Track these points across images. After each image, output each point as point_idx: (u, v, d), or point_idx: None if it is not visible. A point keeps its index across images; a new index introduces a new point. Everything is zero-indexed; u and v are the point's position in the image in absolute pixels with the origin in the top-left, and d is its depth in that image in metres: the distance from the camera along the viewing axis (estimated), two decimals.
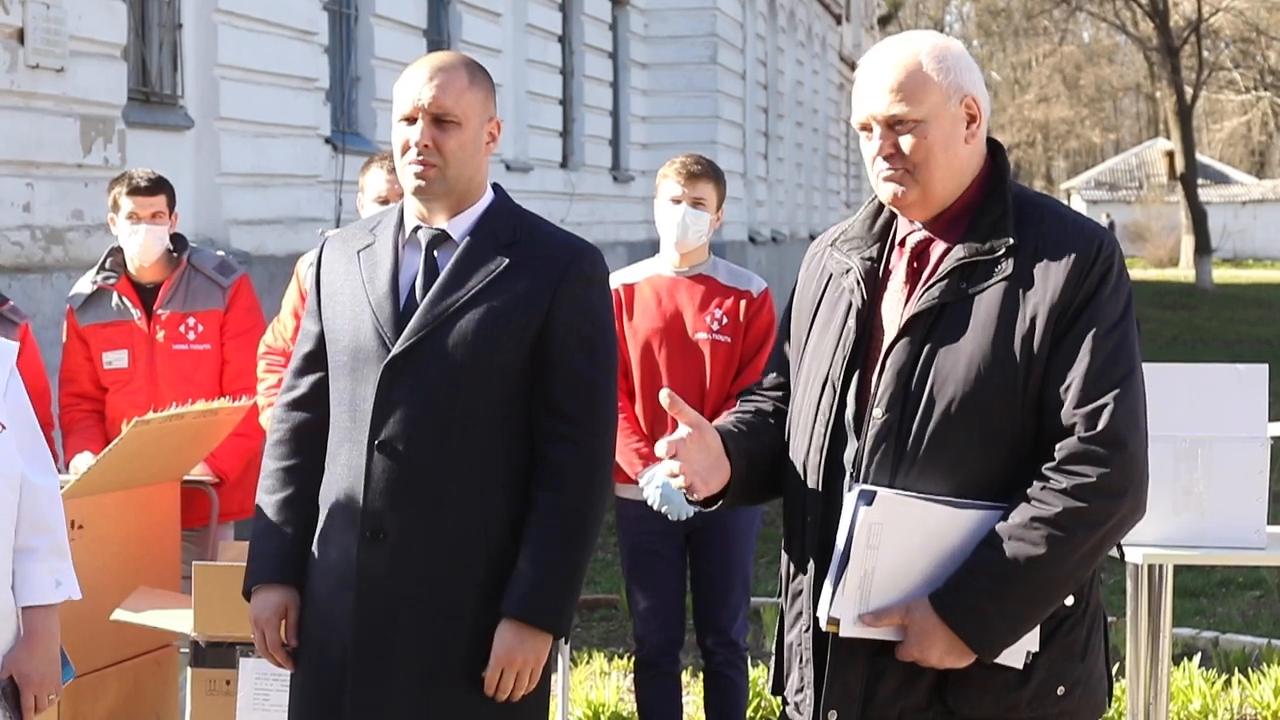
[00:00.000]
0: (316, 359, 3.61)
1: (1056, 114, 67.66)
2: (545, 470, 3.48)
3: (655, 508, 5.24)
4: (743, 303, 5.33)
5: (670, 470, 3.10)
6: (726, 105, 23.57)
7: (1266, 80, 51.68)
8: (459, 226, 3.55)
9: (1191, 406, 4.65)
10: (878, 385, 2.99)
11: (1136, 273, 43.99)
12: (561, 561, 3.47)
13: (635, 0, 21.95)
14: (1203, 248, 37.44)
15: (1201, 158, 51.72)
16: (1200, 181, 42.98)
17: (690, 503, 3.22)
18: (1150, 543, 4.69)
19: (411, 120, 3.49)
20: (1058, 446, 2.89)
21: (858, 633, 2.95)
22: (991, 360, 2.92)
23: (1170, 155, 47.87)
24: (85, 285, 5.78)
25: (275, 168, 12.15)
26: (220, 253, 6.26)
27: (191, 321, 5.68)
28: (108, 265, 5.75)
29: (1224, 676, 6.75)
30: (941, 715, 2.97)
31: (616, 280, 5.47)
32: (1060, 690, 2.98)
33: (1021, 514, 2.88)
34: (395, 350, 3.46)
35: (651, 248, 5.68)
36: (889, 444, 2.96)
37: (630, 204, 21.16)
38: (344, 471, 3.51)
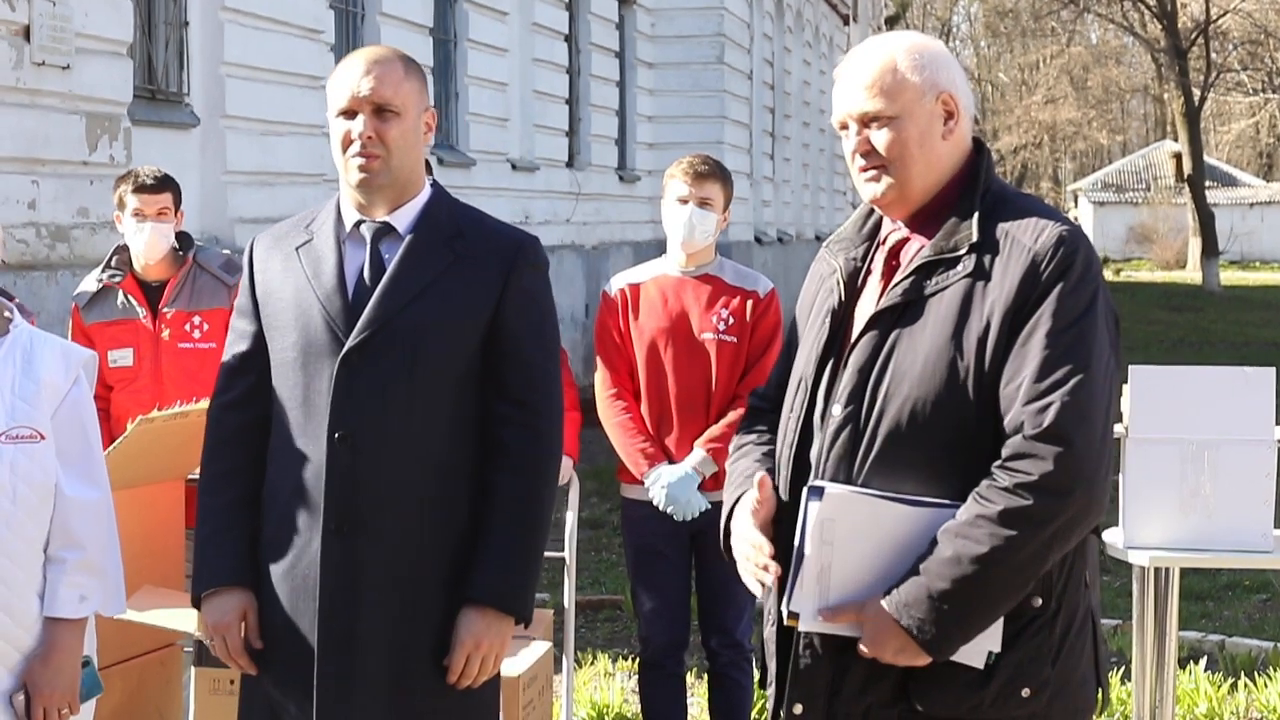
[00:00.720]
0: (252, 358, 3.59)
1: (1064, 115, 67.64)
2: (501, 455, 3.49)
3: (660, 508, 5.24)
4: (749, 303, 5.32)
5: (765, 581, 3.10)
6: (733, 105, 23.57)
7: (1275, 82, 51.64)
8: (403, 219, 3.55)
9: (1198, 409, 4.65)
10: (840, 381, 3.01)
11: (1143, 275, 44.06)
12: (523, 546, 3.49)
13: (642, 0, 21.96)
14: (1210, 250, 37.40)
15: (1209, 160, 51.65)
16: (1208, 183, 42.90)
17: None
18: (1156, 545, 4.68)
19: (351, 114, 3.48)
20: (1005, 444, 2.88)
21: (817, 627, 2.97)
22: (945, 358, 2.93)
23: (1178, 157, 47.75)
24: (91, 283, 5.78)
25: (281, 166, 12.16)
26: (226, 251, 6.26)
27: (197, 320, 5.68)
28: (113, 263, 5.75)
29: (1230, 680, 6.75)
30: (907, 713, 2.98)
31: (623, 280, 5.47)
32: (1026, 692, 2.96)
33: (967, 512, 2.88)
34: (350, 343, 3.45)
35: (658, 248, 5.67)
36: (845, 440, 2.98)
37: (636, 204, 21.16)
38: (298, 467, 3.49)
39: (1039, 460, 2.84)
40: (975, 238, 2.97)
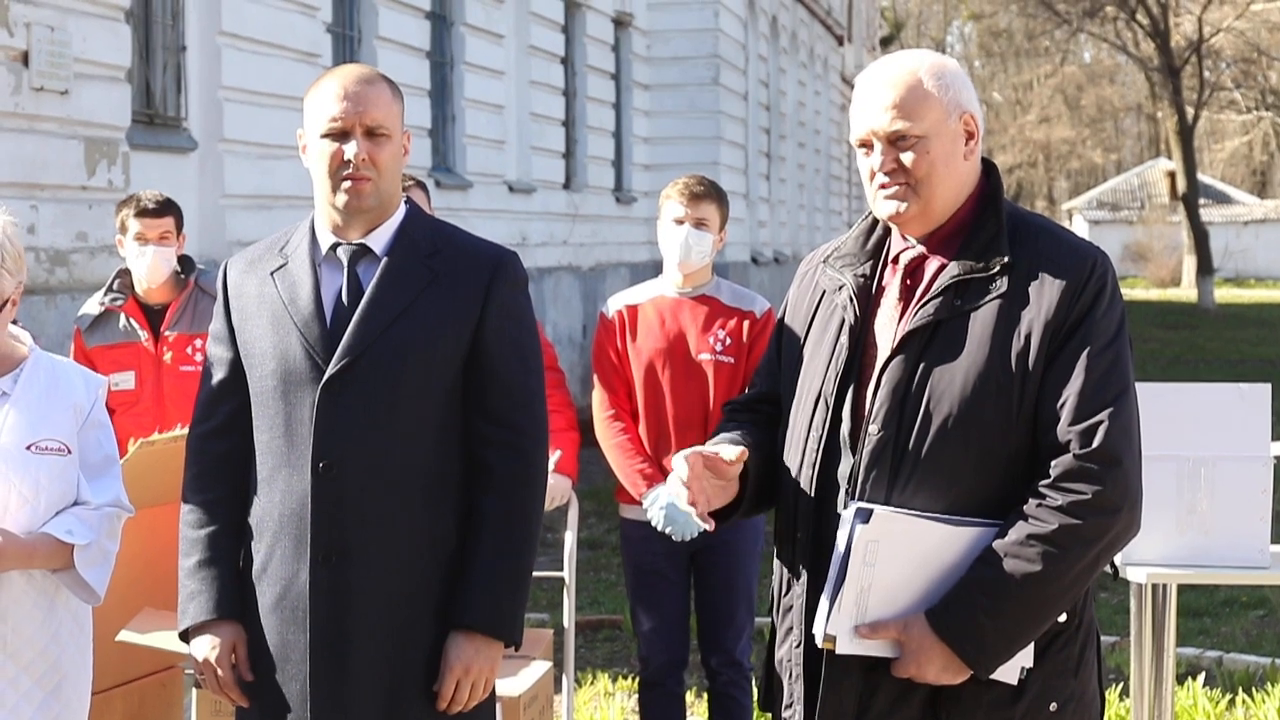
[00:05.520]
0: (230, 386, 3.55)
1: (1058, 134, 67.69)
2: (488, 477, 3.47)
3: (659, 528, 5.25)
4: (746, 323, 5.34)
5: (676, 490, 3.09)
6: (729, 126, 23.59)
7: (1268, 100, 51.67)
8: (379, 240, 3.52)
9: (1194, 426, 4.66)
10: (873, 402, 3.01)
11: (1138, 293, 44.09)
12: (511, 569, 3.47)
13: (638, 22, 22.00)
14: (1205, 268, 37.43)
15: (1203, 178, 51.73)
16: (1202, 201, 42.99)
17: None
18: (1153, 562, 4.69)
19: (342, 135, 3.44)
20: (1053, 463, 2.91)
21: (854, 649, 2.96)
22: (987, 377, 2.94)
23: (1172, 175, 47.90)
24: (93, 306, 5.80)
25: (279, 189, 12.18)
26: None
27: (199, 343, 5.68)
28: (115, 287, 5.77)
29: (1228, 696, 6.76)
30: None
31: (620, 301, 5.49)
32: (1053, 707, 2.99)
33: (1018, 531, 2.90)
34: (331, 370, 3.42)
35: (654, 269, 5.70)
36: (885, 461, 2.97)
37: (633, 225, 21.17)
38: (283, 496, 3.46)
39: (1092, 480, 2.88)
40: (1007, 258, 2.99)
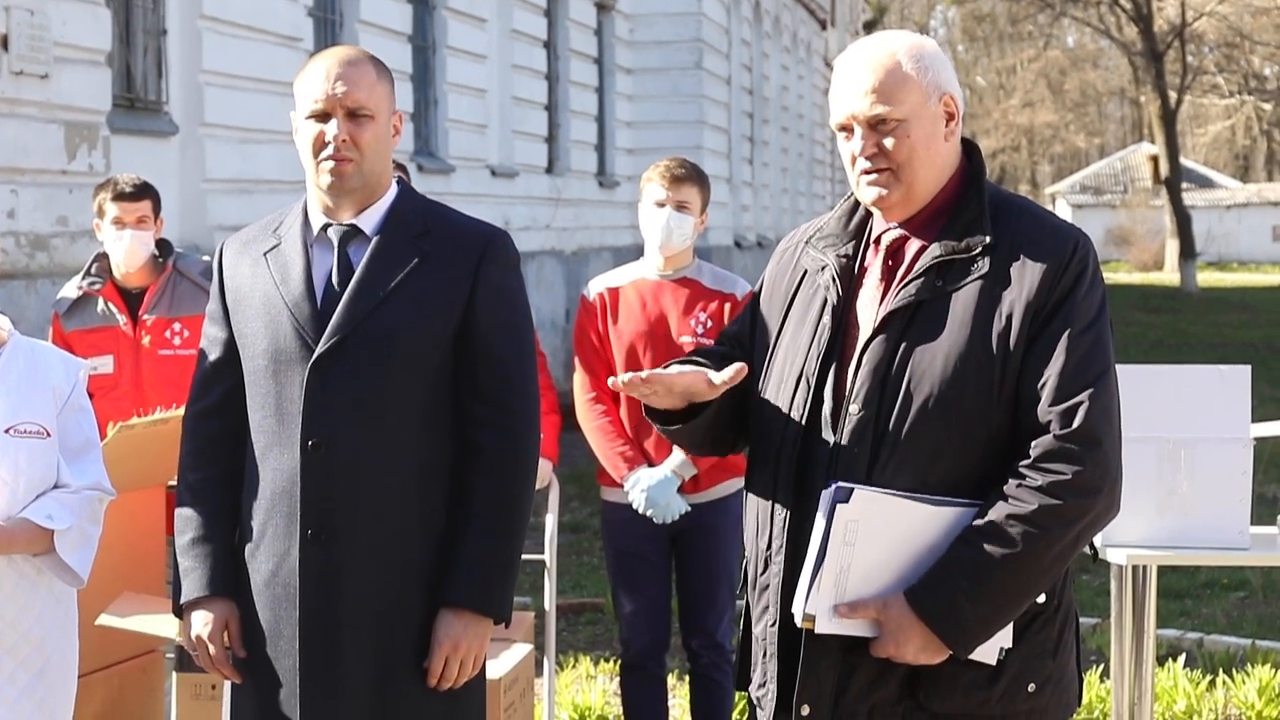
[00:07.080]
0: (225, 365, 3.58)
1: (1041, 118, 67.74)
2: (478, 457, 3.48)
3: (640, 511, 5.25)
4: (727, 306, 5.34)
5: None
6: (712, 110, 23.59)
7: (1250, 85, 51.74)
8: (369, 221, 3.53)
9: (1175, 408, 4.66)
10: (854, 382, 3.00)
11: (1121, 276, 44.19)
12: (500, 547, 3.48)
13: (620, 5, 21.97)
14: (1187, 251, 37.50)
15: (1186, 162, 51.82)
16: (1184, 185, 43.06)
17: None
18: (1134, 543, 4.70)
19: (324, 116, 3.46)
20: (1033, 444, 2.91)
21: (833, 629, 2.96)
22: (968, 357, 2.94)
23: (1155, 159, 47.97)
24: (71, 290, 5.79)
25: (260, 173, 12.16)
26: (206, 258, 6.25)
27: (177, 326, 5.68)
28: (93, 271, 5.76)
29: (1208, 677, 6.77)
30: (912, 710, 2.99)
31: (601, 284, 5.48)
32: (1031, 687, 3.00)
33: (998, 511, 2.90)
34: (320, 349, 3.44)
35: (637, 253, 5.69)
36: (865, 440, 2.97)
37: (616, 209, 21.17)
38: (274, 475, 3.48)
39: (1072, 460, 2.88)
40: (989, 239, 2.98)
